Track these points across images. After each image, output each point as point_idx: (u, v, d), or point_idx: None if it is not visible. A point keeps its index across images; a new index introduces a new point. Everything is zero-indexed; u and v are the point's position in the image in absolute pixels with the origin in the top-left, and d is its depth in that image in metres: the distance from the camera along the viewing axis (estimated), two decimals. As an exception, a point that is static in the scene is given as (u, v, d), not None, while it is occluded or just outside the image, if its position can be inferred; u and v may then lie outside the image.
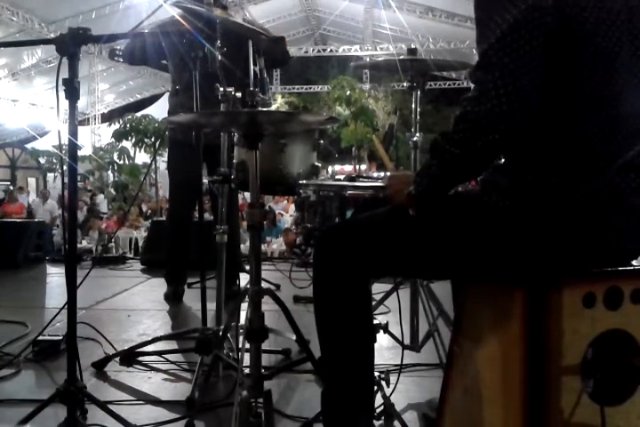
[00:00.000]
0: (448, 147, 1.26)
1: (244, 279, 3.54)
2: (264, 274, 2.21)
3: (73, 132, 1.70)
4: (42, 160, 16.18)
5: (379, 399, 1.79)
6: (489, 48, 1.21)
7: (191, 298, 3.64)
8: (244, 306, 1.75)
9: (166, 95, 3.70)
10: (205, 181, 3.06)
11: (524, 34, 1.18)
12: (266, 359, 2.34)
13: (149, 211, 12.30)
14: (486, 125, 1.21)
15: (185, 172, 3.29)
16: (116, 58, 3.31)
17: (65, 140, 1.71)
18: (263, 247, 7.76)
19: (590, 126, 1.24)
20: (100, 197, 14.05)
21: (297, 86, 20.93)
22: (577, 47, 1.22)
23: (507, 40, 1.18)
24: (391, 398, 1.83)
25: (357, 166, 16.54)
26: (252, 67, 2.24)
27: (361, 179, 1.87)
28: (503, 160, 1.36)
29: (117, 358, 2.40)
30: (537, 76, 1.19)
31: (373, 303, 1.85)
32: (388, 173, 1.69)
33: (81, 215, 10.68)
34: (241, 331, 1.90)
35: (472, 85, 1.26)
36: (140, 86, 19.09)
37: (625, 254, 1.30)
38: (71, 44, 1.64)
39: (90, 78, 16.51)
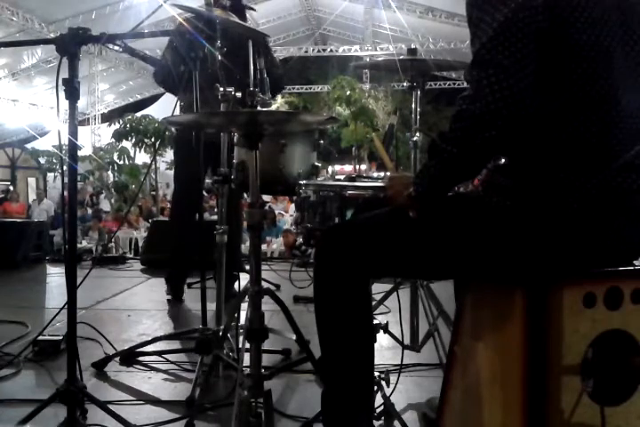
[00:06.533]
0: (445, 146, 1.27)
1: (244, 279, 3.54)
2: (264, 274, 2.21)
3: (73, 132, 1.70)
4: (42, 160, 16.17)
5: (379, 399, 1.79)
6: (481, 47, 1.22)
7: (191, 298, 3.64)
8: (244, 306, 1.75)
9: (166, 95, 3.69)
10: (208, 180, 3.06)
11: (516, 31, 1.19)
12: (266, 359, 2.34)
13: (149, 211, 12.30)
14: (483, 122, 1.21)
15: (191, 172, 3.28)
16: (110, 46, 3.29)
17: (65, 141, 1.71)
18: (263, 247, 7.77)
19: (589, 126, 1.24)
20: (100, 197, 14.06)
21: (297, 86, 20.92)
22: (570, 46, 1.22)
23: (499, 38, 1.19)
24: (391, 398, 1.83)
25: (357, 166, 16.54)
26: (251, 67, 2.24)
27: (361, 179, 1.87)
28: (504, 161, 1.36)
29: (117, 358, 2.40)
30: (530, 73, 1.20)
31: (373, 303, 1.85)
32: (389, 174, 1.69)
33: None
34: (241, 331, 1.90)
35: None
36: (140, 86, 19.07)
37: (626, 254, 1.30)
38: (71, 44, 1.64)
39: (90, 78, 16.50)
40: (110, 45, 3.02)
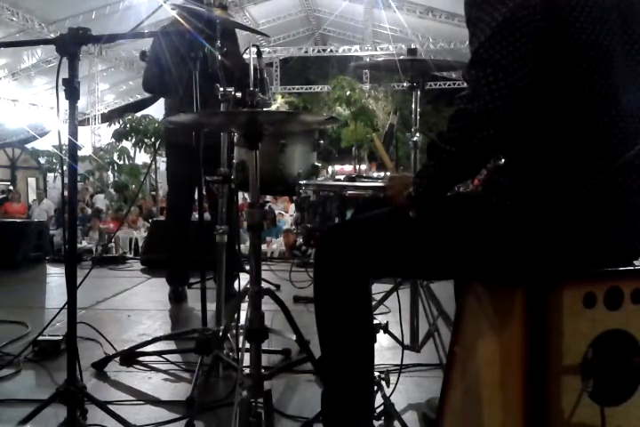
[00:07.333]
0: (444, 146, 1.27)
1: (244, 279, 3.54)
2: (264, 274, 2.21)
3: (73, 132, 1.70)
4: (42, 160, 16.19)
5: (379, 399, 1.79)
6: (480, 46, 1.22)
7: (191, 298, 3.64)
8: (244, 306, 1.75)
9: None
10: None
11: (514, 31, 1.19)
12: (266, 359, 2.34)
13: (149, 211, 12.31)
14: (481, 121, 1.21)
15: (183, 173, 3.29)
16: (146, 59, 3.29)
17: (65, 141, 1.71)
18: (263, 247, 7.77)
19: (589, 125, 1.24)
20: (100, 197, 14.06)
21: (297, 86, 20.92)
22: (570, 46, 1.22)
23: (497, 38, 1.19)
24: (391, 398, 1.83)
25: (357, 166, 16.53)
26: (251, 66, 2.24)
27: (361, 179, 1.87)
28: (504, 161, 1.36)
29: (117, 359, 2.40)
30: (529, 72, 1.20)
31: (373, 303, 1.85)
32: (389, 174, 1.69)
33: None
34: (241, 331, 1.90)
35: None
36: (140, 86, 19.05)
37: (626, 254, 1.30)
38: (71, 44, 1.64)
39: (90, 78, 16.52)
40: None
